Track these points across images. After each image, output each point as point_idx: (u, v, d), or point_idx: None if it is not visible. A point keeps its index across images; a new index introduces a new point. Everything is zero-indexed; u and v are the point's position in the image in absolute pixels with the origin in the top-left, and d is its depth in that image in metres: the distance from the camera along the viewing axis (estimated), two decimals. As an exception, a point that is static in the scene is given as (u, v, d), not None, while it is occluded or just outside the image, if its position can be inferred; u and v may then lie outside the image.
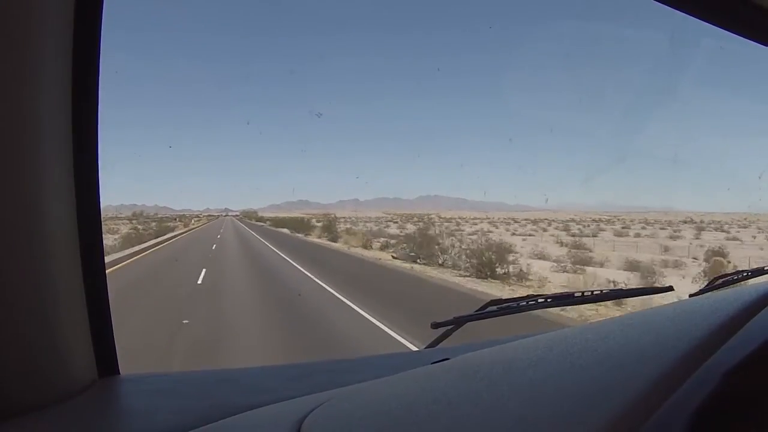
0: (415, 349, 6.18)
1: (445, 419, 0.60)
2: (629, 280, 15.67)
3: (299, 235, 45.27)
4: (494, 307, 1.45)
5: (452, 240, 23.69)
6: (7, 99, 0.81)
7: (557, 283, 15.58)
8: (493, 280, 15.16)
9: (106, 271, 1.10)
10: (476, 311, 1.45)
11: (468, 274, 16.19)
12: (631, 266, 20.59)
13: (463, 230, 50.66)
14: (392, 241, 29.39)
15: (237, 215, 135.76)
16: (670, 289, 1.77)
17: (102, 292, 1.06)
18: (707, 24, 0.98)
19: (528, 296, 1.54)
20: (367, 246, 28.70)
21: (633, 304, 8.76)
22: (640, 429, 0.44)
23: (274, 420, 0.82)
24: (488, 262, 16.24)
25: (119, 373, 1.12)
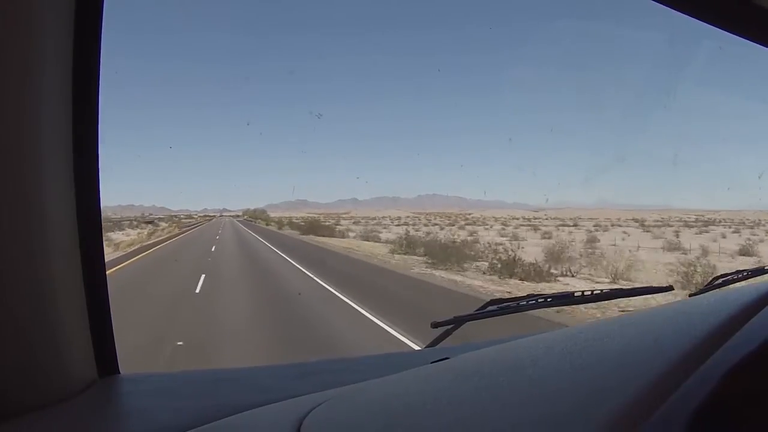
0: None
1: (446, 418, 0.60)
2: None
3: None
4: (494, 307, 1.45)
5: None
6: (7, 99, 0.81)
7: None
8: None
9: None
10: (476, 311, 1.45)
11: None
12: None
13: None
14: None
15: (237, 215, 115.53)
16: (670, 288, 1.78)
17: (102, 292, 1.06)
18: (707, 24, 0.98)
19: (528, 296, 1.53)
20: None
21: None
22: (641, 428, 0.44)
23: (274, 419, 0.82)
24: None
25: (119, 373, 1.12)
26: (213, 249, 23.91)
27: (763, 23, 0.96)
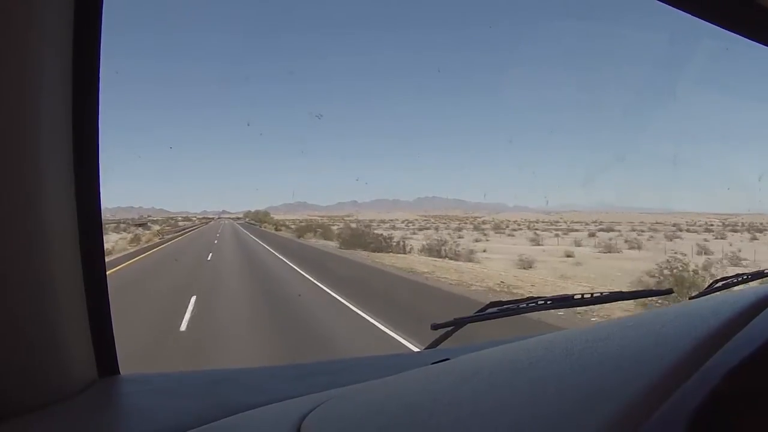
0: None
1: (446, 419, 0.60)
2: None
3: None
4: (494, 309, 1.45)
5: None
6: (7, 100, 0.81)
7: None
8: None
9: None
10: (476, 313, 1.45)
11: None
12: None
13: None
14: None
15: (238, 218, 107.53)
16: (670, 291, 1.78)
17: (102, 292, 1.07)
18: (708, 24, 0.98)
19: (528, 298, 1.53)
20: None
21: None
22: (640, 429, 0.44)
23: (273, 420, 0.82)
24: None
25: (119, 373, 1.12)
26: (187, 319, 8.27)
27: (763, 23, 0.97)
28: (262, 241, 32.94)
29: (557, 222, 76.10)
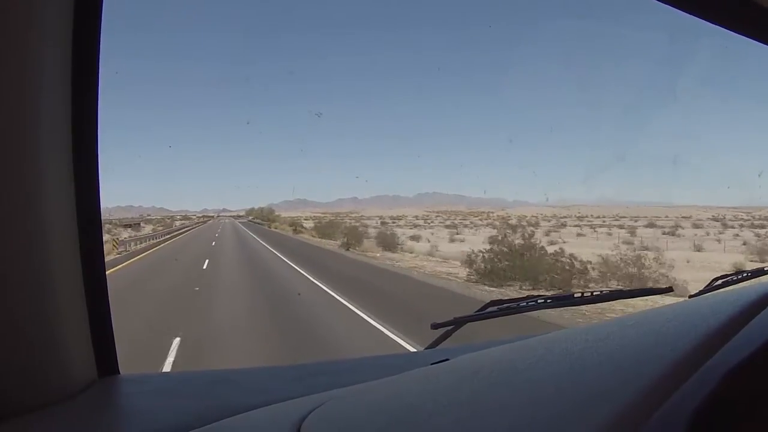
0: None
1: (446, 420, 0.60)
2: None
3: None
4: (494, 308, 1.45)
5: None
6: (7, 100, 0.81)
7: None
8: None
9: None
10: (476, 312, 1.45)
11: None
12: None
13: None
14: None
15: (239, 216, 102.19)
16: (670, 290, 1.77)
17: (102, 292, 1.07)
18: (707, 23, 0.98)
19: (528, 297, 1.53)
20: None
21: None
22: (640, 430, 0.44)
23: (273, 420, 0.82)
24: None
25: (119, 373, 1.12)
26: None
27: (763, 21, 0.96)
28: (297, 264, 17.32)
29: (585, 217, 70.92)
